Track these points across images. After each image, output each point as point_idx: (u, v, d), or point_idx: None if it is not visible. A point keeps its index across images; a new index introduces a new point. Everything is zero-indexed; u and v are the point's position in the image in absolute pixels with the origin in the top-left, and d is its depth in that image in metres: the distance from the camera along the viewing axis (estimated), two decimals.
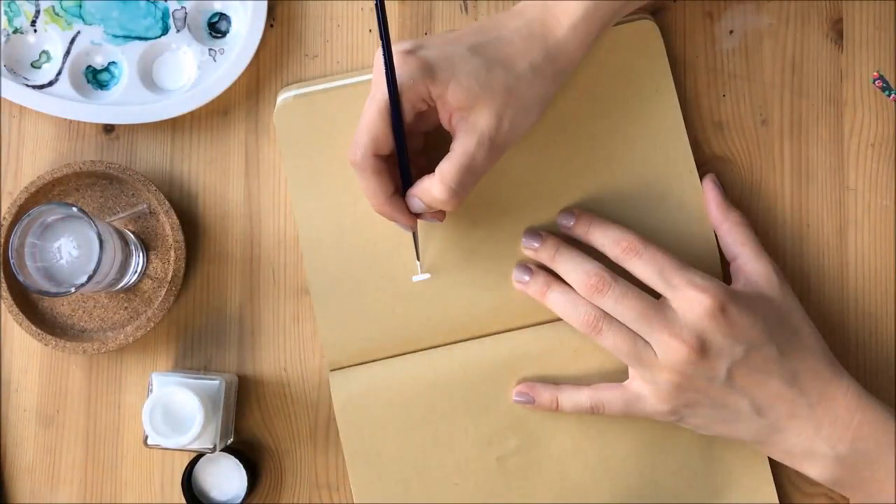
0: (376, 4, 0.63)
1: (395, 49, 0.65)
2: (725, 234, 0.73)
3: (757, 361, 0.68)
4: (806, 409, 0.68)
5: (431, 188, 0.66)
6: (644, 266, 0.69)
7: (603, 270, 0.69)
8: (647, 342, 0.68)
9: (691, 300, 0.67)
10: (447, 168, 0.66)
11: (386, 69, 0.64)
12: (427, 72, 0.65)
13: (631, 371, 0.71)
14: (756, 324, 0.68)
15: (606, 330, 0.69)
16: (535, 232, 0.73)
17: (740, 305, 0.68)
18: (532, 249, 0.73)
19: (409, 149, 0.68)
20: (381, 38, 0.64)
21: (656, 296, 0.69)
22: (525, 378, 0.73)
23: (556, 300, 0.71)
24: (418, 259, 0.74)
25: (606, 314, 0.69)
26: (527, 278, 0.73)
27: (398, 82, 0.65)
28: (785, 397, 0.68)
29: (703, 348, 0.67)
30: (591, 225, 0.72)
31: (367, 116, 0.66)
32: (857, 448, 0.68)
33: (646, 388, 0.69)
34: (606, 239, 0.71)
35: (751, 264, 0.72)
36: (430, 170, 0.67)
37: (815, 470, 0.69)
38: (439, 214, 0.70)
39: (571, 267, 0.71)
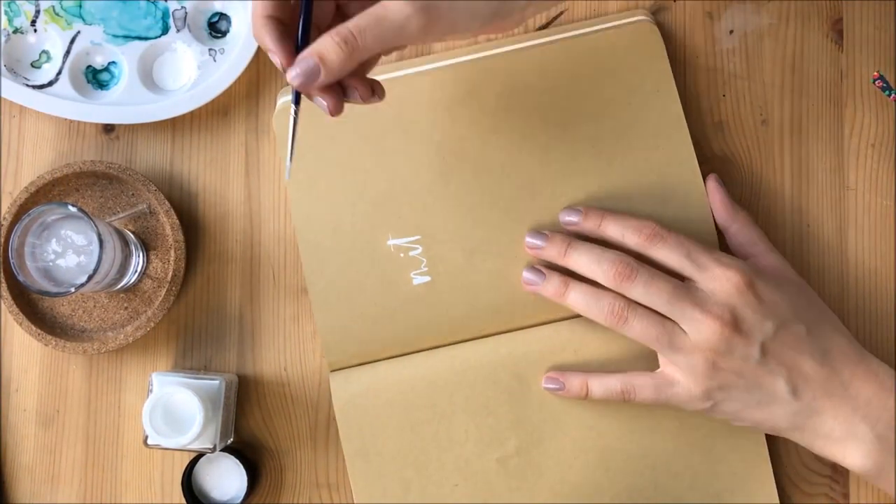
0: None
1: None
2: (736, 235, 0.73)
3: (788, 339, 0.68)
4: (840, 388, 0.68)
5: (324, 40, 0.58)
6: (670, 250, 0.69)
7: (626, 257, 0.69)
8: (675, 325, 0.68)
9: (720, 277, 0.67)
10: (354, 21, 0.58)
11: None
12: None
13: (662, 360, 0.70)
14: (783, 301, 0.68)
15: (632, 318, 0.68)
16: (539, 231, 0.73)
17: (767, 282, 0.68)
18: (537, 249, 0.72)
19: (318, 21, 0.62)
20: None
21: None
22: (526, 378, 0.73)
23: (576, 298, 0.70)
24: (290, 159, 0.63)
25: (630, 303, 0.68)
26: (539, 280, 0.72)
27: None
28: (818, 376, 0.68)
29: (735, 323, 0.67)
30: (603, 218, 0.71)
31: None
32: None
33: (678, 373, 0.69)
34: (626, 229, 0.70)
35: (767, 259, 0.72)
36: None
37: (856, 454, 0.68)
38: (330, 100, 0.61)
39: (591, 259, 0.70)
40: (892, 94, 0.75)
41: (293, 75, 0.59)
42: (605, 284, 0.69)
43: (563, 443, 0.74)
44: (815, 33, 0.77)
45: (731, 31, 0.77)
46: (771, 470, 0.74)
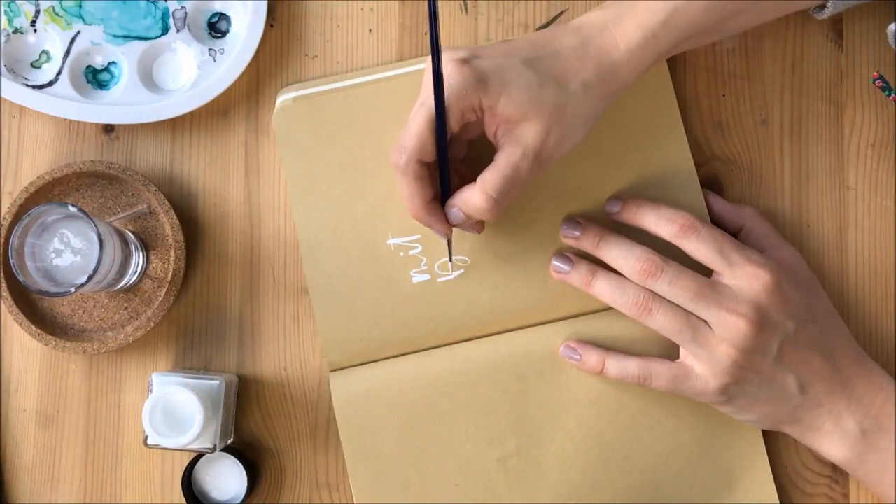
0: (430, 9, 0.63)
1: (450, 57, 0.65)
2: (750, 232, 0.74)
3: (803, 338, 0.69)
4: (840, 385, 0.70)
5: (472, 197, 0.66)
6: (702, 243, 0.69)
7: (653, 254, 0.69)
8: (699, 319, 0.68)
9: (750, 276, 0.68)
10: (489, 177, 0.66)
11: (435, 82, 0.63)
12: (480, 83, 0.64)
13: (683, 351, 0.70)
14: (802, 301, 0.69)
15: (657, 310, 0.69)
16: (574, 220, 0.73)
17: (792, 283, 0.69)
18: (573, 238, 0.73)
19: (452, 156, 0.68)
20: (432, 48, 0.63)
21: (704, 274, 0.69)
22: (526, 378, 0.73)
23: (602, 287, 0.71)
24: (450, 261, 0.73)
25: (655, 295, 0.69)
26: (567, 268, 0.73)
27: (451, 91, 0.64)
28: (824, 373, 0.69)
29: (761, 323, 0.67)
30: (640, 206, 0.72)
31: (415, 122, 0.66)
32: (880, 424, 0.69)
33: (699, 367, 0.69)
34: (660, 218, 0.71)
35: (781, 252, 0.73)
36: (472, 178, 0.67)
37: (839, 446, 0.70)
38: (478, 225, 0.70)
39: (619, 254, 0.70)
40: (892, 94, 0.75)
41: (449, 230, 0.70)
42: (631, 279, 0.70)
43: (563, 443, 0.74)
44: (815, 33, 0.77)
45: None
46: (769, 468, 0.74)
